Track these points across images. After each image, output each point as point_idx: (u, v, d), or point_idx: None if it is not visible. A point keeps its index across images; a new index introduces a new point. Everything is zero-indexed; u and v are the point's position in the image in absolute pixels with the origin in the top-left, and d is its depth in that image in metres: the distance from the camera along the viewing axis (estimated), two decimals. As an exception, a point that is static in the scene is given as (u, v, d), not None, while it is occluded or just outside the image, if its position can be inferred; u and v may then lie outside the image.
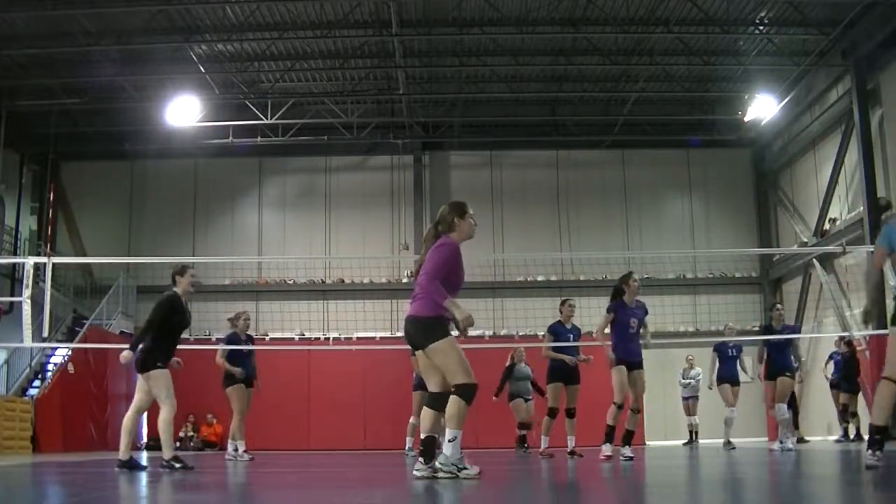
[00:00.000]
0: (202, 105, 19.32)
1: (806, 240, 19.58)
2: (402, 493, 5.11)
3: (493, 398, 13.25)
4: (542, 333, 11.42)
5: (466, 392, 5.61)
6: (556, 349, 10.88)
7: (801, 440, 16.10)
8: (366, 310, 20.68)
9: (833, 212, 18.61)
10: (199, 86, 18.92)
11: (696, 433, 16.41)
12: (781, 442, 11.04)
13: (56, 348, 18.40)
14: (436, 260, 5.77)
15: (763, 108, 19.18)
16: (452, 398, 5.64)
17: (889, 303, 11.11)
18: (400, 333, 20.63)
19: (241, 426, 11.12)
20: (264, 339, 19.62)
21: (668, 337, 18.89)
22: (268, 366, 11.84)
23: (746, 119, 19.76)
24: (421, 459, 5.74)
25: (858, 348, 15.69)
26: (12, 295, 17.43)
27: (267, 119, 20.07)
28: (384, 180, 22.30)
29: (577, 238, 21.60)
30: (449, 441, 5.57)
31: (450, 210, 6.02)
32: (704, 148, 21.99)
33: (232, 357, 11.03)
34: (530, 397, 13.35)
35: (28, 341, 11.53)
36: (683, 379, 16.70)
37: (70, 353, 17.38)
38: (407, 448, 12.66)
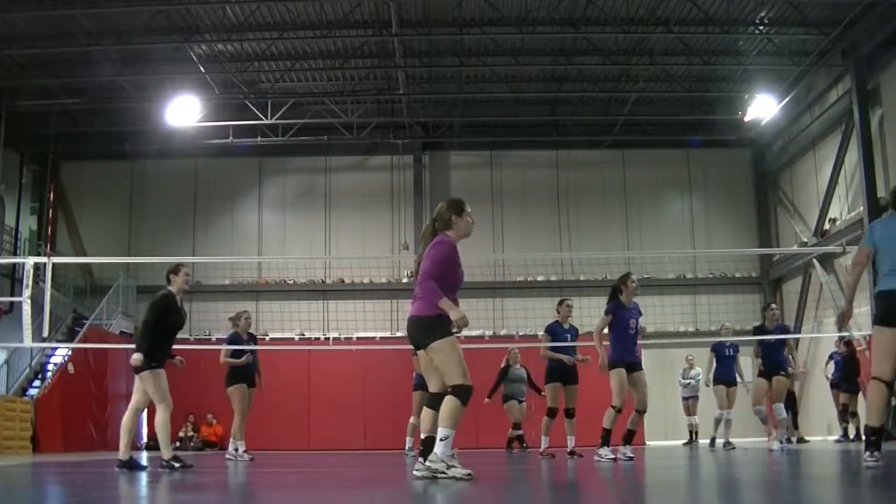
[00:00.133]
0: (202, 105, 19.33)
1: (806, 240, 19.58)
2: (402, 493, 5.11)
3: (486, 399, 13.26)
4: (541, 333, 11.42)
5: (462, 393, 5.61)
6: (554, 349, 10.88)
7: (801, 440, 16.13)
8: (366, 310, 20.69)
9: (833, 212, 18.62)
10: (199, 86, 18.92)
11: (697, 433, 16.41)
12: (781, 442, 11.05)
13: (56, 348, 18.40)
14: (432, 258, 5.77)
15: (763, 108, 19.18)
16: (448, 398, 5.64)
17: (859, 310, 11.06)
18: (400, 333, 20.77)
19: (242, 426, 11.13)
20: (264, 339, 19.61)
21: (668, 337, 18.92)
22: (268, 366, 11.84)
23: (746, 119, 19.76)
24: (421, 459, 5.74)
25: (858, 348, 15.69)
26: (12, 295, 17.44)
27: (267, 119, 20.07)
28: (384, 180, 22.30)
29: (577, 238, 21.60)
30: (441, 440, 5.55)
31: (448, 207, 6.01)
32: (704, 148, 21.99)
33: (235, 355, 11.09)
34: (524, 399, 13.38)
35: (28, 341, 11.53)
36: (683, 379, 16.69)
37: (70, 353, 17.37)
38: (407, 448, 12.66)
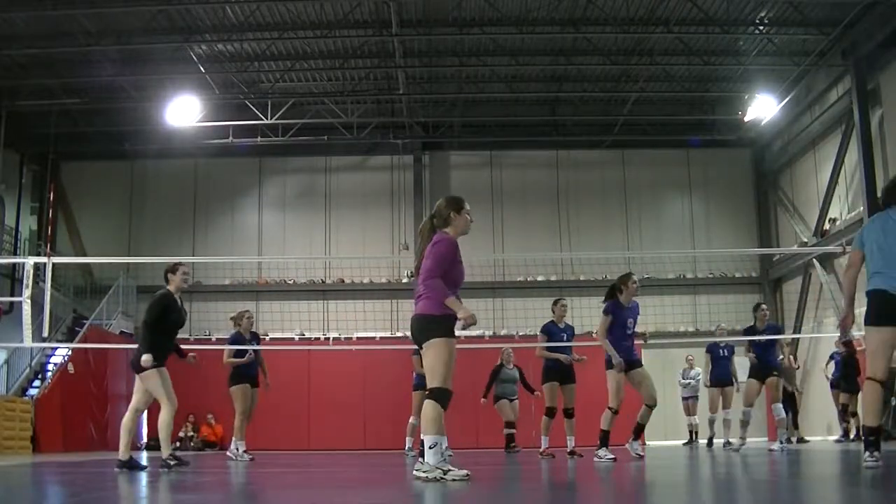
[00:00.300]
0: (202, 105, 19.32)
1: (806, 240, 19.58)
2: (402, 493, 5.11)
3: (482, 400, 13.28)
4: (538, 333, 11.43)
5: (440, 396, 5.58)
6: (550, 349, 10.90)
7: (800, 440, 16.14)
8: (366, 310, 20.70)
9: (833, 212, 18.62)
10: (199, 86, 18.92)
11: (697, 433, 16.42)
12: (781, 442, 11.06)
13: (56, 348, 18.40)
14: (434, 257, 5.76)
15: (763, 108, 19.18)
16: (427, 403, 5.63)
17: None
18: (400, 333, 20.78)
19: (243, 426, 11.15)
20: (264, 338, 19.61)
21: (668, 337, 18.91)
22: (268, 366, 11.86)
23: (746, 119, 19.76)
24: (421, 459, 5.74)
25: (858, 348, 15.69)
26: (12, 295, 17.44)
27: (267, 119, 20.07)
28: (384, 180, 22.30)
29: (577, 238, 21.61)
30: (429, 448, 5.51)
31: (446, 204, 6.00)
32: (704, 148, 22.00)
33: (238, 355, 11.15)
34: (515, 398, 13.41)
35: (28, 341, 11.53)
36: (683, 379, 16.71)
37: (70, 353, 17.38)
38: (407, 448, 12.67)
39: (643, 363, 9.38)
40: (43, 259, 13.11)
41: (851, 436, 14.97)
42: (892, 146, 16.54)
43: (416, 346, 5.94)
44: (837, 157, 18.18)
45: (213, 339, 18.34)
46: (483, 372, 13.59)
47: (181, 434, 18.34)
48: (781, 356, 16.64)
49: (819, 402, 17.87)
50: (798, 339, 19.54)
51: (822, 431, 17.85)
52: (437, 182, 22.12)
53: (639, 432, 9.06)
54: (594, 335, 9.67)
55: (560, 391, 10.81)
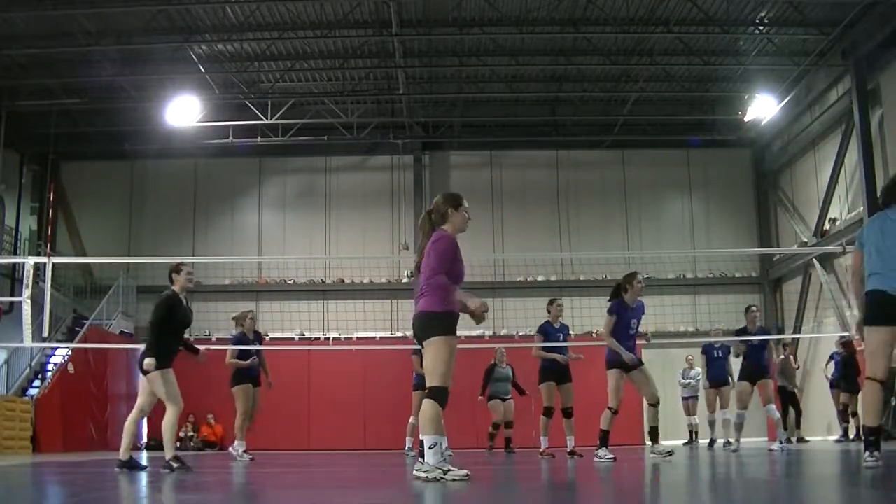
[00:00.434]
0: (202, 105, 19.32)
1: (806, 240, 19.58)
2: (402, 493, 5.11)
3: (480, 398, 13.29)
4: (536, 335, 11.42)
5: (439, 395, 5.57)
6: (547, 349, 10.92)
7: (801, 440, 16.14)
8: (366, 310, 20.70)
9: (833, 212, 18.62)
10: (199, 86, 18.92)
11: (697, 433, 16.43)
12: (781, 442, 11.08)
13: (56, 348, 18.40)
14: (436, 255, 5.75)
15: (763, 108, 19.18)
16: (426, 401, 5.62)
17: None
18: (400, 333, 20.77)
19: (244, 426, 11.18)
20: (265, 338, 19.62)
21: (668, 337, 18.91)
22: (269, 365, 11.87)
23: (746, 119, 19.75)
24: (421, 459, 5.73)
25: (858, 348, 15.69)
26: (12, 295, 17.43)
27: (267, 119, 20.06)
28: (384, 180, 22.30)
29: (577, 238, 21.60)
30: (429, 448, 5.50)
31: (444, 200, 5.99)
32: (704, 148, 21.99)
33: (241, 357, 11.21)
34: (509, 397, 13.46)
35: (28, 341, 11.54)
36: (683, 379, 16.71)
37: (70, 353, 17.38)
38: (407, 448, 12.68)
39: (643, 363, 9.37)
40: (43, 259, 13.12)
41: (851, 436, 14.97)
42: (892, 146, 16.53)
43: (415, 346, 5.95)
44: (837, 157, 18.17)
45: (214, 339, 18.33)
46: (482, 371, 13.62)
47: (181, 434, 18.33)
48: (782, 356, 16.73)
49: (819, 402, 17.86)
50: (798, 338, 19.54)
51: (822, 431, 17.84)
52: (437, 182, 22.11)
53: (654, 435, 8.98)
54: (594, 335, 9.66)
55: (557, 391, 10.84)
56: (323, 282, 21.64)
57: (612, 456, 8.61)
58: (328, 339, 20.30)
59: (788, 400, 16.58)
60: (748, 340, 11.18)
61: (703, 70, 19.35)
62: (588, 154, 22.16)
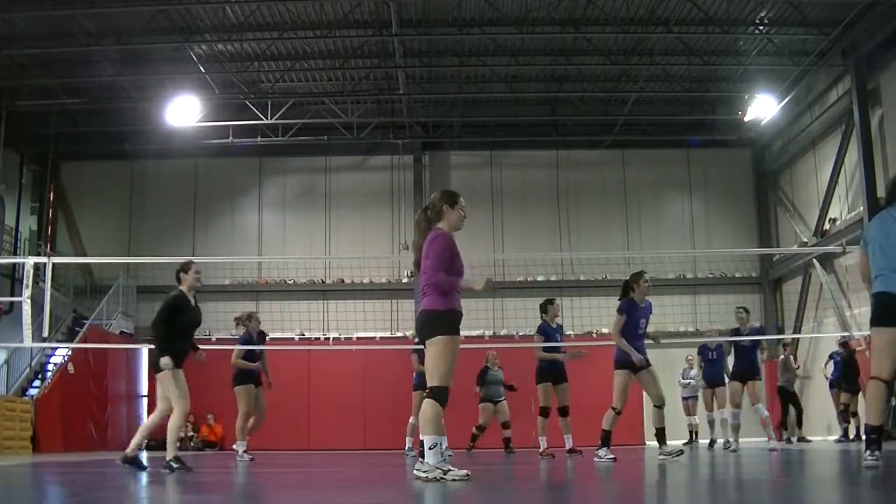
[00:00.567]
0: (202, 105, 19.32)
1: (806, 240, 19.58)
2: (402, 493, 5.11)
3: (476, 389, 13.27)
4: (535, 335, 11.44)
5: (439, 394, 5.58)
6: (547, 349, 10.98)
7: (802, 439, 16.16)
8: (366, 310, 20.69)
9: (833, 212, 18.61)
10: (199, 86, 18.91)
11: (697, 433, 16.44)
12: (771, 440, 11.17)
13: (56, 348, 18.40)
14: (434, 254, 5.75)
15: (763, 108, 19.17)
16: (426, 401, 5.62)
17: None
18: (400, 333, 20.77)
19: (245, 427, 11.23)
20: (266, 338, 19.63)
21: (668, 337, 18.89)
22: (269, 366, 11.88)
23: (746, 119, 19.75)
24: (421, 459, 5.73)
25: (858, 349, 15.71)
26: (12, 295, 17.43)
27: (267, 119, 20.06)
28: (384, 180, 22.30)
29: (577, 238, 21.60)
30: (429, 448, 5.50)
31: (440, 197, 6.00)
32: (704, 148, 21.99)
33: (247, 357, 11.30)
34: (501, 399, 13.47)
35: (28, 341, 11.54)
36: (683, 379, 16.73)
37: (70, 353, 17.37)
38: (407, 448, 12.69)
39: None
40: (43, 259, 13.12)
41: (851, 436, 14.99)
42: (892, 146, 16.53)
43: (414, 346, 5.96)
44: (837, 157, 18.17)
45: (214, 339, 18.32)
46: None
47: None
48: (782, 356, 16.74)
49: (819, 402, 17.86)
50: (798, 338, 19.54)
51: (822, 431, 17.84)
52: (437, 182, 22.09)
53: (661, 437, 8.93)
54: (594, 335, 9.66)
55: (553, 391, 10.93)
56: (323, 282, 21.64)
57: (612, 456, 8.60)
58: (328, 339, 20.29)
59: (789, 400, 16.60)
60: (737, 341, 11.34)
61: (703, 70, 19.35)
62: (588, 154, 22.15)
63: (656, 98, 20.89)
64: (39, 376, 18.58)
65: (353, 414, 18.72)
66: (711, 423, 14.29)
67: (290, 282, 21.51)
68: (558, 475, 6.99)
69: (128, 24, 16.80)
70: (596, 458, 8.75)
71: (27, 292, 11.03)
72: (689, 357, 16.89)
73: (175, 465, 7.64)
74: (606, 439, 8.83)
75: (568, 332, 19.17)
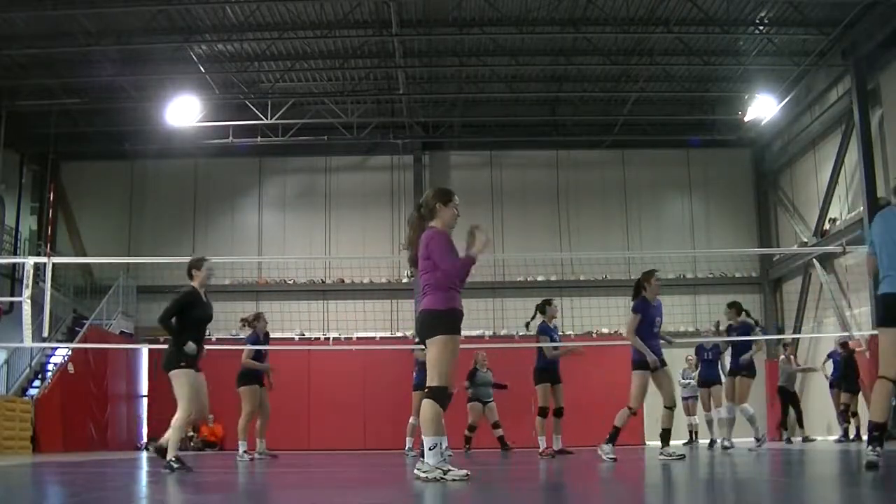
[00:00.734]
0: (202, 105, 19.32)
1: (806, 240, 19.58)
2: (402, 493, 5.11)
3: (465, 383, 13.27)
4: (540, 335, 11.44)
5: (439, 395, 5.56)
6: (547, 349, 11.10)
7: (805, 439, 16.18)
8: (366, 310, 20.70)
9: (833, 212, 18.62)
10: (199, 86, 18.91)
11: (696, 433, 16.44)
12: (758, 440, 11.20)
13: (56, 348, 18.40)
14: (438, 248, 5.71)
15: (763, 108, 19.17)
16: (425, 402, 5.60)
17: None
18: (400, 333, 20.76)
19: (247, 427, 11.29)
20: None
21: (668, 337, 18.91)
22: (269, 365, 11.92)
23: (746, 119, 19.75)
24: (422, 459, 5.73)
25: (858, 349, 15.71)
26: (12, 295, 17.43)
27: (267, 119, 20.06)
28: (384, 180, 22.30)
29: (577, 238, 21.60)
30: (429, 449, 5.49)
31: (434, 195, 5.98)
32: (704, 148, 21.99)
33: (254, 358, 11.41)
34: (490, 399, 13.49)
35: (28, 341, 11.54)
36: (683, 379, 16.71)
37: (70, 353, 17.37)
38: (407, 448, 12.70)
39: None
40: (43, 259, 13.12)
41: (851, 436, 14.99)
42: (892, 146, 16.53)
43: (414, 347, 5.95)
44: (837, 157, 18.17)
45: (214, 339, 18.27)
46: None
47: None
48: (782, 356, 16.74)
49: (819, 402, 17.87)
50: (798, 338, 19.54)
51: (822, 431, 17.84)
52: (437, 182, 22.07)
53: (666, 438, 8.87)
54: (594, 335, 9.67)
55: (551, 391, 11.00)
56: (323, 282, 21.64)
57: (613, 456, 8.55)
58: (328, 339, 20.29)
59: (789, 400, 16.60)
60: (728, 339, 11.53)
61: (703, 70, 19.35)
62: (588, 154, 22.15)
63: (656, 98, 20.89)
64: (39, 376, 18.58)
65: (353, 414, 18.72)
66: (710, 423, 14.32)
67: (290, 282, 21.52)
68: (558, 475, 6.99)
69: (128, 24, 16.80)
70: (599, 452, 8.68)
71: (27, 292, 11.03)
72: (689, 357, 16.88)
73: (175, 465, 7.63)
74: (615, 436, 8.70)
75: (568, 333, 19.24)
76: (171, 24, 17.17)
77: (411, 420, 12.49)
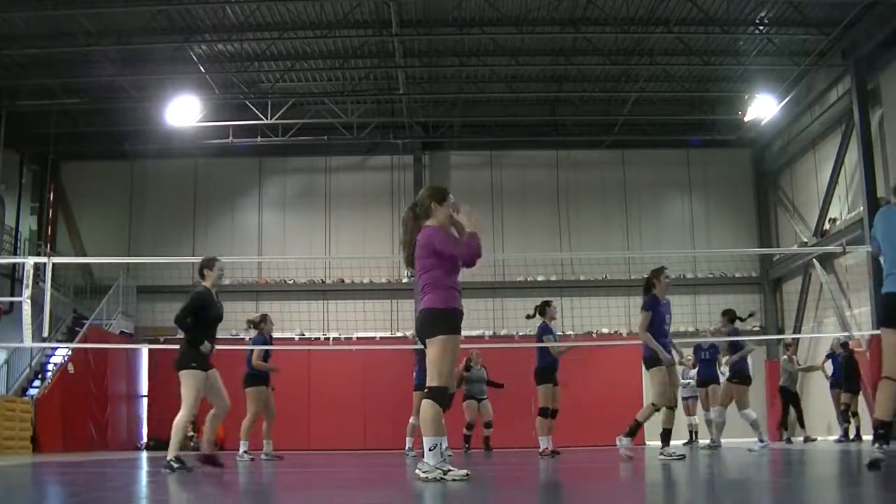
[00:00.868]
0: (202, 105, 19.32)
1: (806, 240, 19.58)
2: (402, 493, 5.11)
3: (463, 372, 13.31)
4: (545, 336, 11.44)
5: (438, 395, 5.53)
6: (550, 349, 11.16)
7: (806, 439, 16.18)
8: (366, 310, 20.69)
9: (833, 212, 18.62)
10: (199, 86, 18.91)
11: (696, 433, 16.44)
12: (761, 441, 11.22)
13: (56, 348, 18.40)
14: (441, 242, 5.66)
15: (763, 108, 19.17)
16: (425, 402, 5.58)
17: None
18: (400, 333, 20.75)
19: (250, 427, 11.35)
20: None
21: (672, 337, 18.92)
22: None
23: (746, 119, 19.75)
24: (422, 459, 5.73)
25: (858, 349, 15.71)
26: (12, 295, 17.43)
27: (267, 119, 20.06)
28: (384, 180, 22.30)
29: (577, 238, 21.59)
30: (429, 450, 5.48)
31: (429, 194, 5.90)
32: (704, 148, 21.99)
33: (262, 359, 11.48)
34: (484, 397, 13.55)
35: (28, 341, 11.52)
36: (683, 379, 16.70)
37: (70, 353, 17.37)
38: (407, 448, 12.70)
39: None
40: (43, 259, 13.11)
41: (851, 436, 14.99)
42: (892, 146, 16.53)
43: (414, 347, 5.94)
44: (837, 157, 18.17)
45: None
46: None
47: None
48: (784, 356, 16.72)
49: (819, 402, 17.87)
50: (798, 339, 19.54)
51: (822, 431, 17.84)
52: (438, 182, 22.11)
53: (667, 438, 8.86)
54: (594, 335, 9.67)
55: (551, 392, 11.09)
56: (323, 282, 21.64)
57: (630, 453, 8.52)
58: (328, 339, 20.29)
59: (790, 400, 16.60)
60: (722, 340, 11.58)
61: (703, 70, 19.35)
62: (588, 154, 22.15)
63: (656, 98, 20.89)
64: (39, 376, 18.58)
65: (353, 414, 18.72)
66: (709, 423, 14.29)
67: (290, 282, 21.52)
68: (558, 475, 6.99)
69: (128, 24, 16.80)
70: (617, 443, 8.67)
71: (27, 292, 11.01)
72: (689, 357, 16.89)
73: (176, 465, 7.64)
74: (635, 430, 8.61)
75: (568, 332, 19.24)
76: (171, 24, 17.17)
77: (411, 420, 12.49)
